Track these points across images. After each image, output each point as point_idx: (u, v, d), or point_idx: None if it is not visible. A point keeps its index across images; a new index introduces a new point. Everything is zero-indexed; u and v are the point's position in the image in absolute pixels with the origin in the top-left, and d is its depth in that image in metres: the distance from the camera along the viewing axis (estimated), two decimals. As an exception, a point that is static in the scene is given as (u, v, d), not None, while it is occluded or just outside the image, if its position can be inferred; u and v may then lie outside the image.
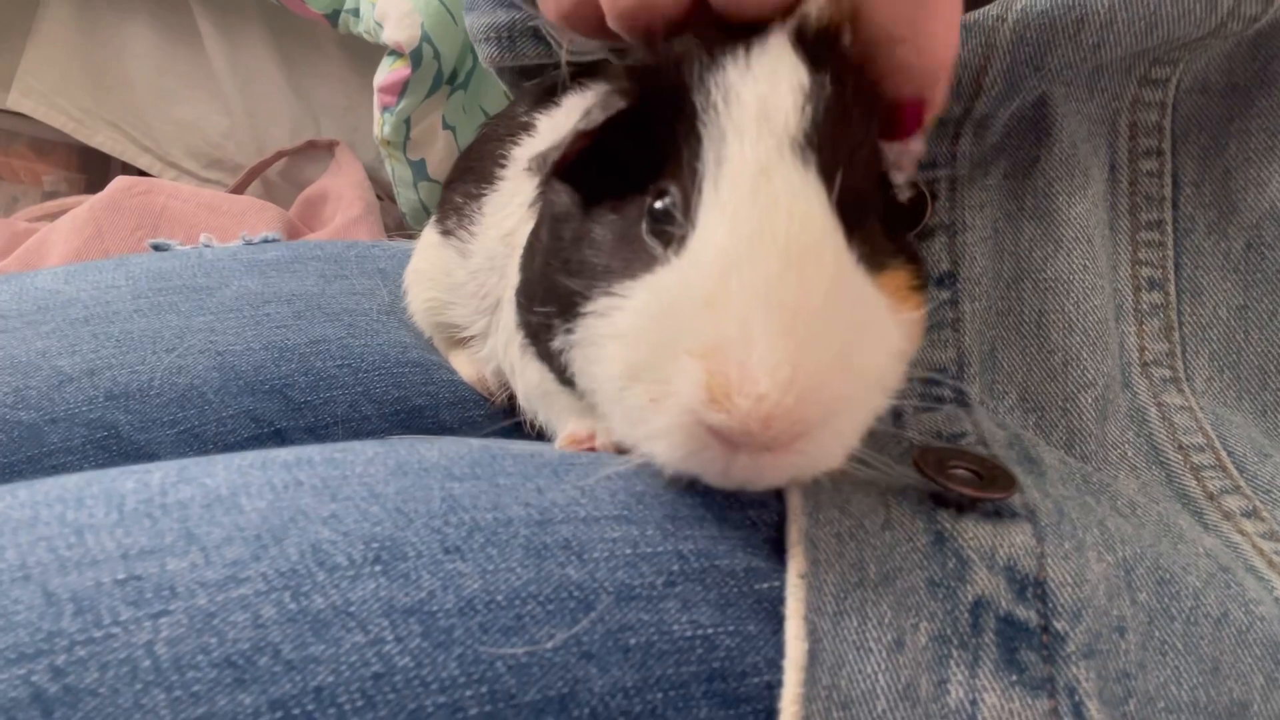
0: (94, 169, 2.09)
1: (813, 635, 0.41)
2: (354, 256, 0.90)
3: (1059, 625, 0.44)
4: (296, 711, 0.35)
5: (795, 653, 0.41)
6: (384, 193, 1.82)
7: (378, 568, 0.40)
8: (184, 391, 0.69)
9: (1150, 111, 0.66)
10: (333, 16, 1.63)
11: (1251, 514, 0.57)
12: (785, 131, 0.44)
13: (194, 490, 0.42)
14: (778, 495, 0.47)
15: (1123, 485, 0.57)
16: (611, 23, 0.49)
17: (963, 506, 0.48)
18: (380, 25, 1.49)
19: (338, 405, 0.73)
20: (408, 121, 1.54)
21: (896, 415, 0.58)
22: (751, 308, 0.40)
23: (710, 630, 0.42)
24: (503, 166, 0.72)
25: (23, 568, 0.37)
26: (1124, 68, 0.65)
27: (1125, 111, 0.66)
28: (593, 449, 0.55)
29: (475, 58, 1.56)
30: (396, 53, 1.48)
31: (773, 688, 0.41)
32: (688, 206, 0.45)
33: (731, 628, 0.42)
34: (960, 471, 0.49)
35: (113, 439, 0.67)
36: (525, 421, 0.69)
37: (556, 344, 0.50)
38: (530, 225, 0.59)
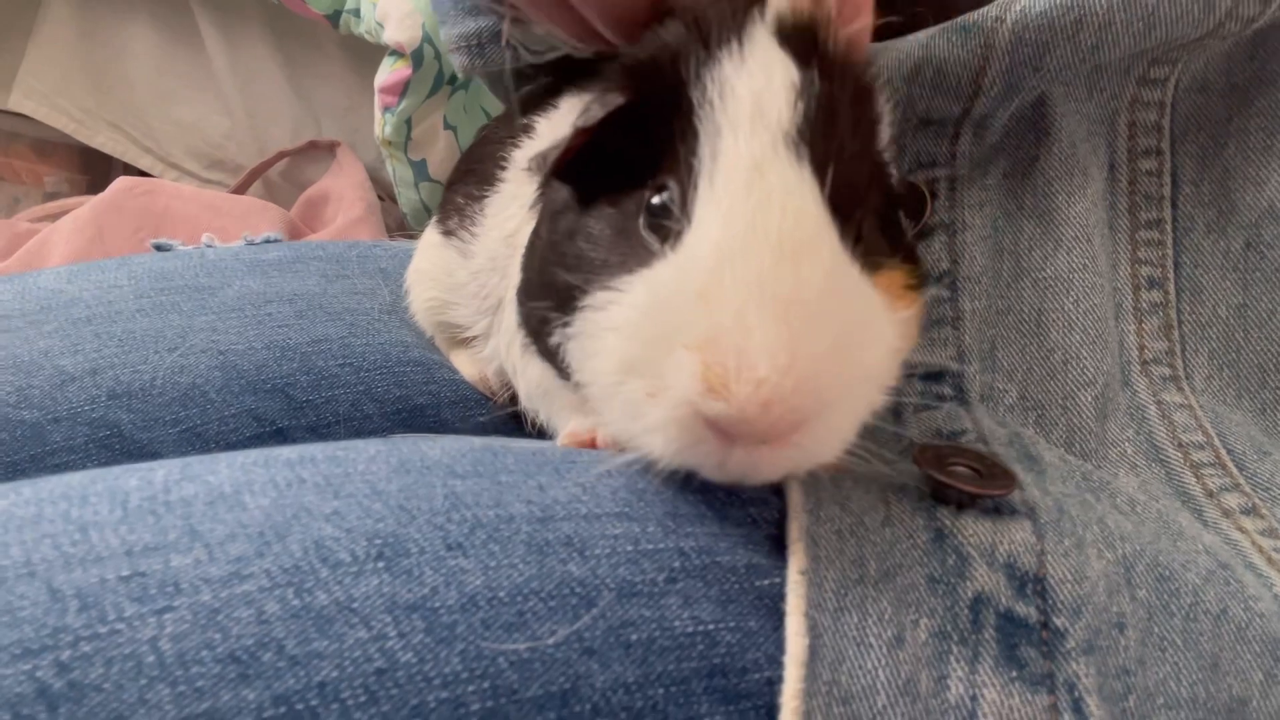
0: (95, 170, 2.09)
1: (813, 631, 0.41)
2: (355, 256, 0.90)
3: (1059, 621, 0.44)
4: (300, 707, 0.35)
5: (796, 649, 0.41)
6: (385, 193, 1.82)
7: (380, 564, 0.40)
8: (186, 391, 0.69)
9: (1149, 111, 0.67)
10: (334, 17, 1.63)
11: (1251, 511, 0.58)
12: (779, 127, 0.44)
13: (197, 488, 0.42)
14: (778, 492, 0.48)
15: (1122, 483, 0.58)
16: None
17: (962, 503, 0.48)
18: (381, 25, 1.49)
19: (340, 404, 0.73)
20: (409, 122, 1.54)
21: (896, 413, 0.58)
22: (746, 301, 0.40)
23: (711, 626, 0.42)
24: (503, 168, 0.72)
25: (27, 564, 0.37)
26: (1123, 68, 0.65)
27: (1124, 111, 0.66)
28: (594, 446, 0.55)
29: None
30: (398, 53, 1.48)
31: (773, 684, 0.41)
32: (684, 201, 0.45)
33: (732, 624, 0.42)
34: (960, 468, 0.49)
35: (115, 438, 0.67)
36: (527, 421, 0.69)
37: (555, 339, 0.50)
38: (532, 226, 0.60)
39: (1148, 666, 0.44)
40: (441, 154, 1.62)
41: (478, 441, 0.51)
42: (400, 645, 0.38)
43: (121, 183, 1.62)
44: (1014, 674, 0.42)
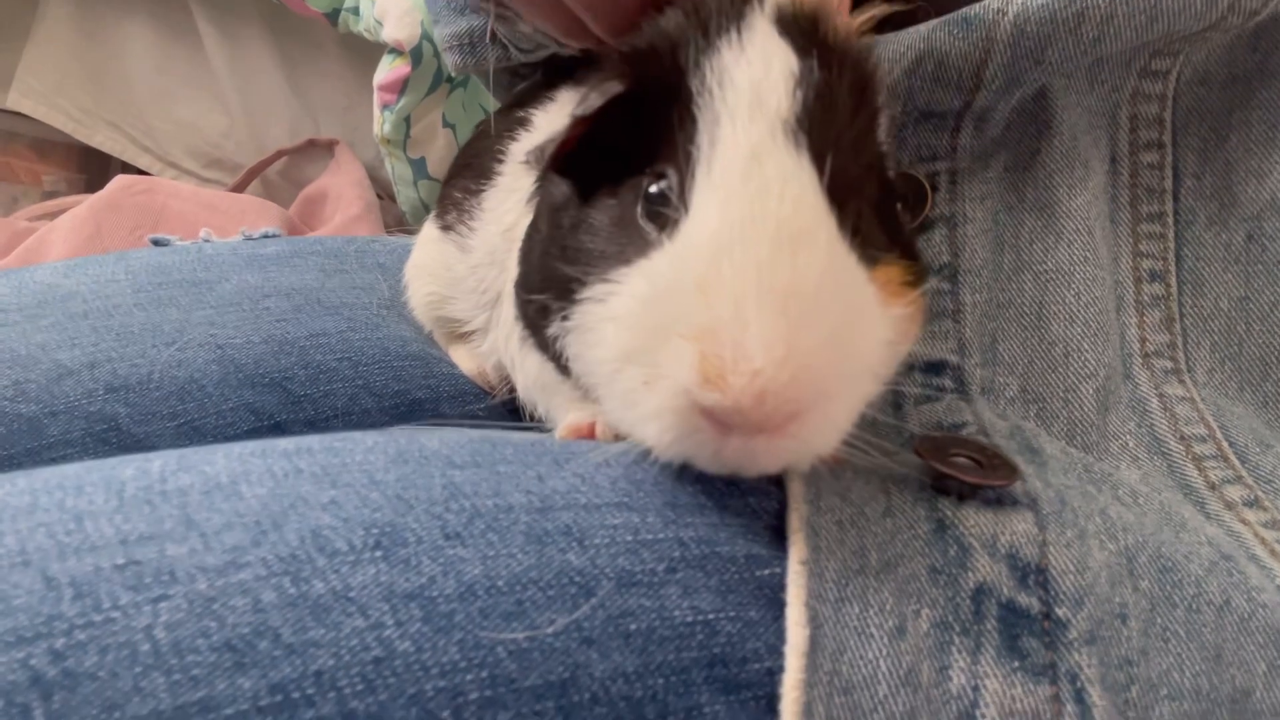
0: (94, 169, 2.09)
1: (814, 621, 0.41)
2: (353, 251, 0.90)
3: (1061, 612, 0.43)
4: (296, 695, 0.35)
5: (797, 639, 0.41)
6: (384, 191, 1.82)
7: (378, 553, 0.40)
8: (184, 384, 0.69)
9: (1151, 104, 0.66)
10: (332, 15, 1.63)
11: (1254, 503, 0.57)
12: (777, 115, 0.44)
13: (194, 477, 0.42)
14: (778, 483, 0.47)
15: (1124, 475, 0.57)
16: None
17: (964, 494, 0.48)
18: (380, 23, 1.49)
19: (337, 398, 0.73)
20: (408, 120, 1.54)
21: (897, 405, 0.58)
22: (744, 291, 0.40)
23: (711, 616, 0.42)
24: (501, 162, 0.72)
25: (22, 553, 0.37)
26: (1124, 60, 0.65)
27: (1126, 104, 0.66)
28: (593, 437, 0.55)
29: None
30: (396, 51, 1.48)
31: (774, 674, 0.41)
32: (682, 190, 0.45)
33: (732, 614, 0.42)
34: (961, 459, 0.49)
35: (112, 432, 0.67)
36: (526, 413, 0.69)
37: (553, 331, 0.50)
38: (529, 219, 0.59)
39: (1150, 657, 0.44)
40: (440, 152, 1.62)
41: (476, 433, 0.51)
42: (398, 634, 0.37)
43: (120, 181, 1.61)
44: (1016, 664, 0.42)
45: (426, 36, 1.46)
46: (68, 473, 0.42)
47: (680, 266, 0.42)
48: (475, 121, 1.58)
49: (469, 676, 0.37)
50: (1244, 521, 0.56)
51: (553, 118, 0.69)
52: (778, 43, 0.47)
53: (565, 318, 0.48)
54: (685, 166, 0.45)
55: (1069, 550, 0.46)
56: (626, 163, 0.49)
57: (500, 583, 0.40)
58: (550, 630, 0.39)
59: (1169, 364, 0.64)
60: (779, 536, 0.46)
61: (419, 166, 1.61)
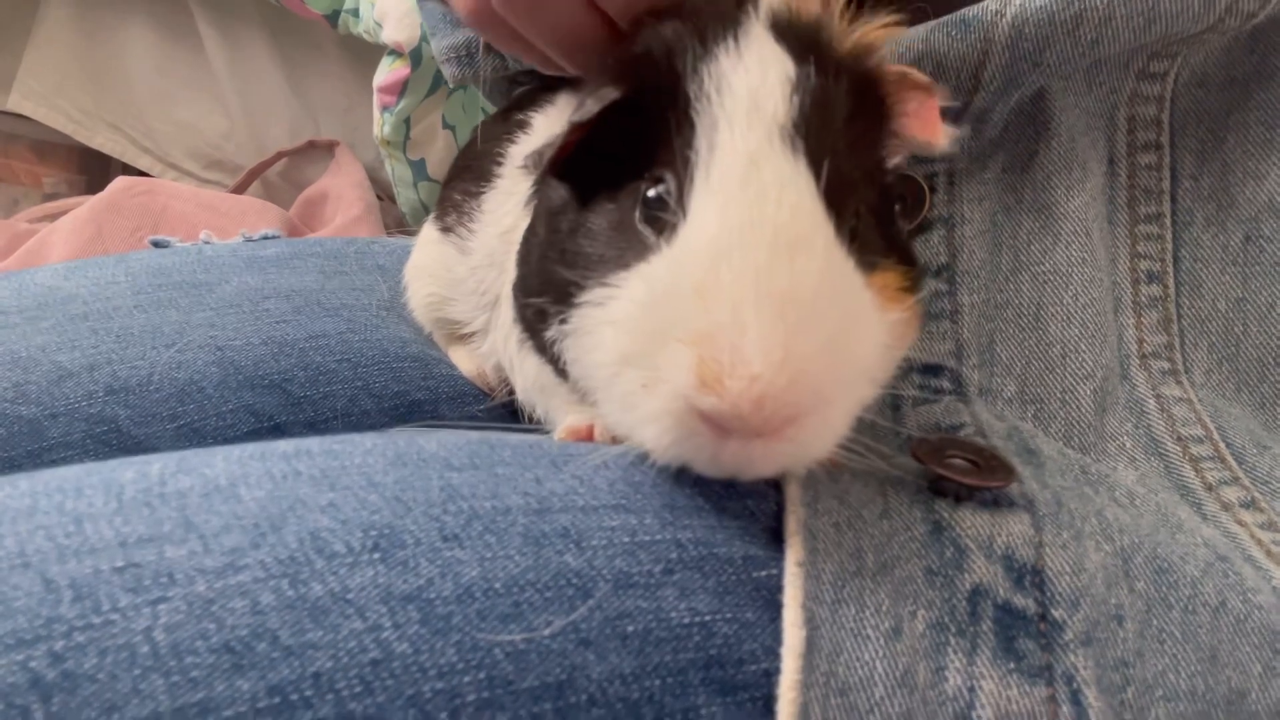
0: (94, 170, 2.09)
1: (811, 623, 0.41)
2: (353, 253, 0.90)
3: (1057, 613, 0.44)
4: (294, 697, 0.35)
5: (793, 640, 0.41)
6: (384, 193, 1.82)
7: (376, 555, 0.40)
8: (183, 386, 0.69)
9: (1148, 105, 0.66)
10: (332, 17, 1.63)
11: (1250, 505, 0.57)
12: (774, 121, 0.45)
13: (193, 480, 0.42)
14: (776, 485, 0.47)
15: (1121, 476, 0.58)
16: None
17: (960, 496, 0.48)
18: (380, 25, 1.50)
19: (337, 400, 0.73)
20: (407, 121, 1.54)
21: (895, 407, 0.58)
22: (742, 295, 0.40)
23: (708, 618, 0.42)
24: (500, 164, 0.72)
25: (22, 555, 0.37)
26: (1122, 62, 0.65)
27: (1123, 105, 0.66)
28: (591, 440, 0.55)
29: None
30: (396, 52, 1.48)
31: (770, 675, 0.41)
32: (680, 194, 0.45)
33: (729, 615, 0.42)
34: (958, 461, 0.49)
35: (113, 434, 0.67)
36: (524, 415, 0.69)
37: (551, 334, 0.50)
38: (528, 222, 0.60)
39: (1146, 658, 0.44)
40: (440, 153, 1.62)
41: (474, 435, 0.51)
42: (395, 636, 0.37)
43: (120, 183, 1.62)
44: (1012, 665, 0.42)
45: (426, 38, 1.46)
46: (67, 475, 0.43)
47: (679, 271, 0.43)
48: (475, 123, 1.58)
49: (466, 678, 0.37)
50: (1240, 523, 0.56)
51: (552, 121, 0.69)
52: (774, 49, 0.47)
53: (564, 321, 0.48)
54: (683, 172, 0.45)
55: (1065, 551, 0.46)
56: (624, 167, 0.49)
57: (498, 584, 0.40)
58: (547, 632, 0.39)
59: (1166, 365, 0.64)
60: (776, 538, 0.46)
61: (419, 168, 1.61)
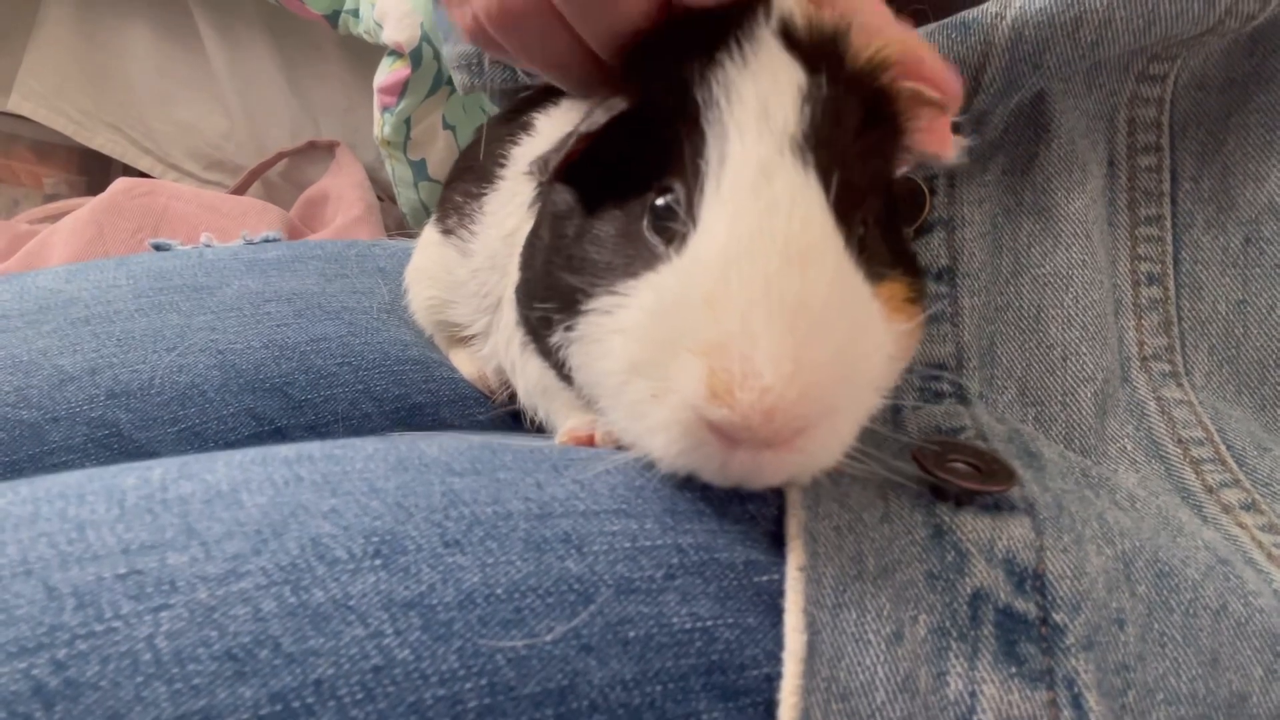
0: (95, 171, 2.09)
1: (812, 628, 0.41)
2: (354, 255, 0.90)
3: (1058, 617, 0.44)
4: (296, 704, 0.35)
5: (794, 645, 0.41)
6: (384, 193, 1.82)
7: (378, 561, 0.40)
8: (185, 390, 0.69)
9: (1148, 107, 0.66)
10: (332, 17, 1.63)
11: (1251, 507, 0.57)
12: (785, 131, 0.44)
13: (195, 486, 0.42)
14: (777, 490, 0.47)
15: (1122, 479, 0.58)
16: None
17: (961, 500, 0.48)
18: (380, 25, 1.49)
19: (338, 403, 0.73)
20: (408, 122, 1.54)
21: (895, 411, 0.58)
22: (752, 306, 0.40)
23: (709, 623, 0.42)
24: (503, 166, 0.72)
25: (24, 563, 0.37)
26: (1122, 64, 0.65)
27: (1123, 107, 0.66)
28: (593, 444, 0.55)
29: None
30: (396, 53, 1.48)
31: (772, 680, 0.41)
32: (690, 204, 0.45)
33: (731, 620, 0.42)
34: (959, 465, 0.49)
35: (114, 437, 0.67)
36: (526, 419, 0.69)
37: (555, 339, 0.50)
38: (531, 225, 0.60)
39: (1147, 662, 0.44)
40: (441, 154, 1.62)
41: (476, 439, 0.51)
42: (397, 642, 0.38)
43: (121, 184, 1.62)
44: (1013, 670, 0.42)
45: (426, 39, 1.46)
46: (69, 481, 0.43)
47: (689, 281, 0.43)
48: (476, 124, 1.58)
49: (468, 685, 0.37)
50: (1241, 525, 0.56)
51: (555, 122, 0.69)
52: (784, 59, 0.47)
53: (569, 328, 0.48)
54: (693, 181, 0.45)
55: (1066, 555, 0.46)
56: (630, 175, 0.49)
57: (499, 590, 0.40)
58: (549, 638, 0.39)
59: (1167, 367, 0.64)
60: (777, 543, 0.46)
61: (419, 168, 1.61)
